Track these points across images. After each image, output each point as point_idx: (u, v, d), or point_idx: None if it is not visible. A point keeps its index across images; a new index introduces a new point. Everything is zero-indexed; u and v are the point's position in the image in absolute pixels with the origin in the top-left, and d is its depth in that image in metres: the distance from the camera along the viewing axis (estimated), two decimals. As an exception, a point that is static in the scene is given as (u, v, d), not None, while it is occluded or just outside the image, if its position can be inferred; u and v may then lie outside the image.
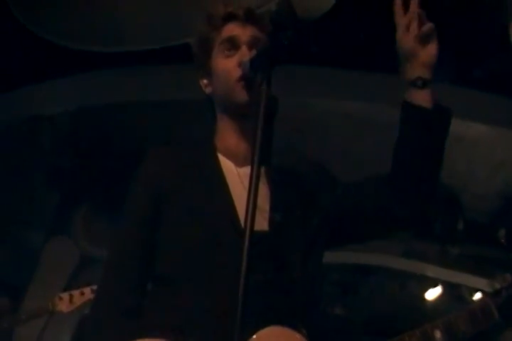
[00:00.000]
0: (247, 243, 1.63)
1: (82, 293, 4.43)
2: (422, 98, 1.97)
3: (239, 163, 2.03)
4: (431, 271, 6.79)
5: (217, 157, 2.06)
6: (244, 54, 2.01)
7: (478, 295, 6.94)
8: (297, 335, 1.89)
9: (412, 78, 1.98)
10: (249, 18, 2.10)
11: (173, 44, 4.78)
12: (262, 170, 1.90)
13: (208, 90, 2.13)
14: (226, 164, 2.05)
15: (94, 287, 4.42)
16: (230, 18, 2.10)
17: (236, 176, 2.01)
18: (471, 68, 5.40)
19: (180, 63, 5.35)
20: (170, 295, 1.93)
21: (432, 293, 7.12)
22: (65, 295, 4.44)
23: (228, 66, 2.04)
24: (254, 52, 1.98)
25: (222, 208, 1.96)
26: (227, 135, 2.08)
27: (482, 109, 5.47)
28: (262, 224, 1.88)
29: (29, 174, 6.16)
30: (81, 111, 5.76)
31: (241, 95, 1.99)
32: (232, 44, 2.07)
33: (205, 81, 2.13)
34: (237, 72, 1.99)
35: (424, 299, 7.19)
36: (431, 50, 1.97)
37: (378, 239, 2.21)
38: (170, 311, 1.92)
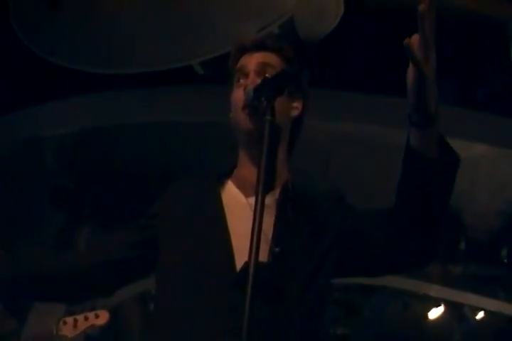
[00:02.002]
0: (251, 276, 1.63)
1: (86, 318, 4.40)
2: (423, 140, 1.79)
3: (248, 192, 1.99)
4: (434, 290, 6.78)
5: (219, 189, 2.06)
6: (252, 81, 2.02)
7: (481, 315, 6.95)
8: None
9: (414, 117, 1.78)
10: (256, 46, 2.11)
11: (176, 66, 4.82)
12: (272, 198, 1.95)
13: (231, 121, 2.11)
14: (234, 194, 2.04)
15: (99, 312, 4.42)
16: (241, 51, 2.13)
17: (245, 206, 1.96)
18: (471, 88, 5.42)
19: (183, 85, 5.42)
20: (165, 325, 1.94)
21: (435, 313, 7.10)
22: (70, 320, 4.41)
23: (237, 95, 2.05)
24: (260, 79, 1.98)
25: (217, 243, 1.94)
26: (242, 165, 2.08)
27: (483, 129, 5.48)
28: (262, 254, 1.80)
29: (32, 195, 6.16)
30: (84, 132, 5.77)
31: (244, 123, 2.00)
32: (242, 74, 2.08)
33: (230, 113, 2.13)
34: (242, 101, 1.99)
35: (427, 318, 7.16)
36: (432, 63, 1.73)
37: (387, 274, 2.10)
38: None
